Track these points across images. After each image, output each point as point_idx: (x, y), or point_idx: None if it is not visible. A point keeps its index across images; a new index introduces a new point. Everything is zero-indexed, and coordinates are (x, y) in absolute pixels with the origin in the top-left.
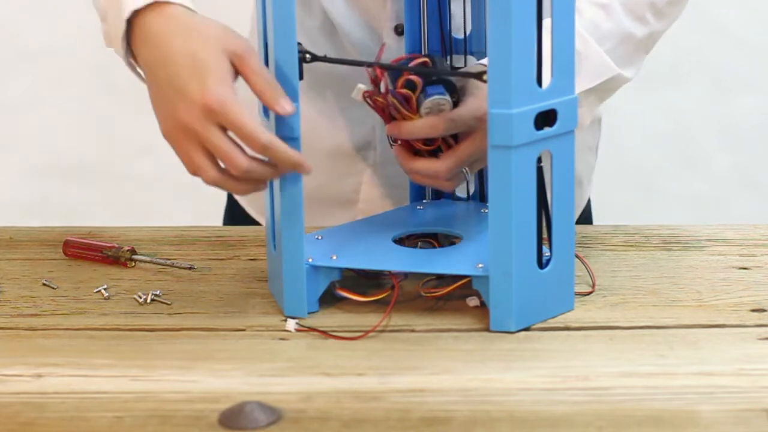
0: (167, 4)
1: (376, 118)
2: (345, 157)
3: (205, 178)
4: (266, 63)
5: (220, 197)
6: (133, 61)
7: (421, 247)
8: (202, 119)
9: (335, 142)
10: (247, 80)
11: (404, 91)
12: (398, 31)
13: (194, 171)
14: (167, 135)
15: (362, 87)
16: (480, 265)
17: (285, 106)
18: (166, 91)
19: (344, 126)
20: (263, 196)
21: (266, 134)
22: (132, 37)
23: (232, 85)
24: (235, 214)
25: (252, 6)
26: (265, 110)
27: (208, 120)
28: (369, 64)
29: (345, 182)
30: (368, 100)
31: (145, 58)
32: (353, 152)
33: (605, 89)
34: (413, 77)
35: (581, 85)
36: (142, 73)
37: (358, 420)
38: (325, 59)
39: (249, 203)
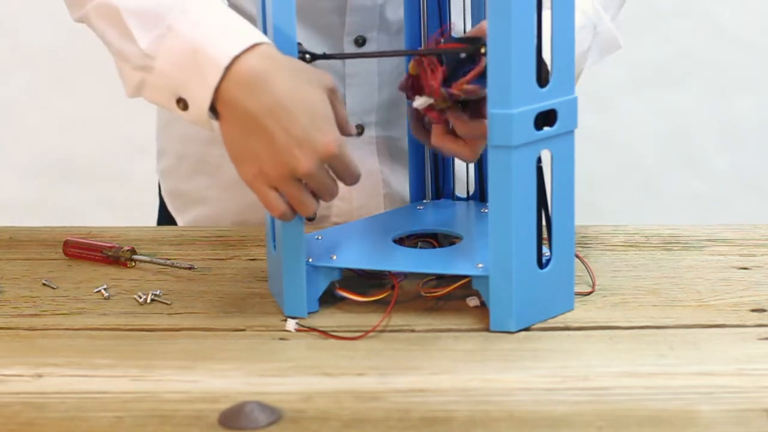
0: (259, 45)
1: None
2: None
3: (307, 212)
4: None
5: None
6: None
7: (421, 247)
8: (319, 164)
9: None
10: (333, 111)
11: (470, 87)
12: (358, 42)
13: (298, 209)
14: (264, 181)
15: (425, 100)
16: (480, 265)
17: (352, 129)
18: (280, 141)
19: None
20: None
21: (358, 168)
22: (219, 85)
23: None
24: (163, 219)
25: None
26: None
27: (323, 163)
28: (369, 55)
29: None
30: (430, 108)
31: (246, 107)
32: None
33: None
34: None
35: (593, 59)
36: (215, 123)
37: (358, 420)
38: (324, 56)
39: (176, 212)
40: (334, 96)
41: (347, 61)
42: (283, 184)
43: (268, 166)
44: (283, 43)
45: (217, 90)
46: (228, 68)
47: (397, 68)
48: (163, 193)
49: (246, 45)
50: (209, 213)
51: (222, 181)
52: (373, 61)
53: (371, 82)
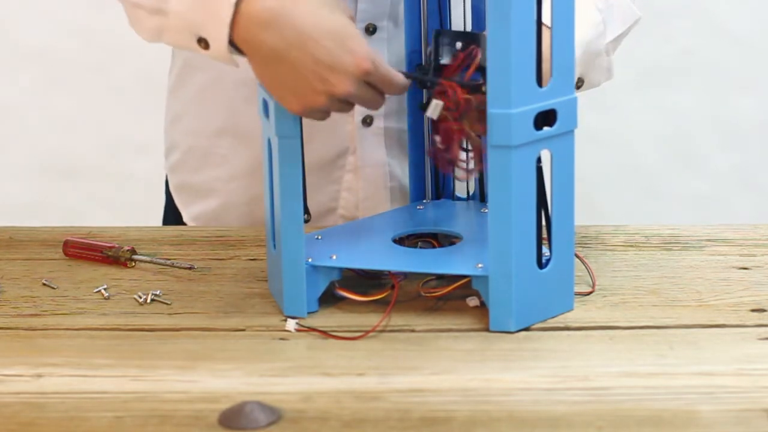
0: None
1: (354, 123)
2: (322, 168)
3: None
4: None
5: None
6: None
7: (421, 247)
8: (356, 84)
9: (311, 157)
10: None
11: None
12: (369, 30)
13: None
14: (312, 110)
15: (440, 103)
16: (480, 265)
17: None
18: (310, 70)
19: (319, 137)
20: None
21: (401, 76)
22: (236, 23)
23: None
24: (170, 216)
25: None
26: (265, 110)
27: (361, 82)
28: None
29: (323, 192)
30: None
31: (269, 44)
32: (331, 162)
33: (623, 35)
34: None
35: (614, 31)
36: (240, 59)
37: (358, 420)
38: None
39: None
40: (351, 17)
41: None
42: (330, 106)
43: (309, 97)
44: None
45: (234, 27)
46: (238, 3)
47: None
48: (171, 189)
49: None
50: (217, 205)
51: (229, 172)
52: (384, 52)
53: None
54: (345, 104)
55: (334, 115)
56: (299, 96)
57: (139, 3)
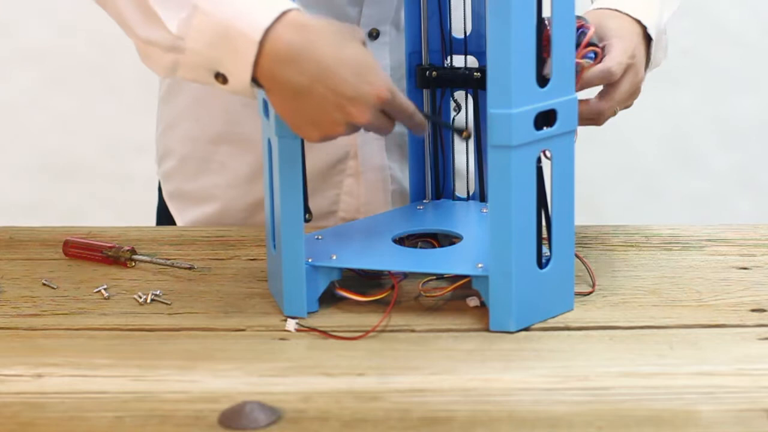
0: (288, 12)
1: None
2: (322, 173)
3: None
4: None
5: None
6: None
7: (421, 247)
8: (375, 113)
9: (312, 161)
10: None
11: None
12: (372, 35)
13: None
14: (327, 138)
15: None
16: (480, 265)
17: None
18: (331, 103)
19: (320, 144)
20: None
21: (419, 114)
22: (259, 60)
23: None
24: (163, 222)
25: None
26: (266, 110)
27: (378, 111)
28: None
29: (323, 196)
30: None
31: (293, 79)
32: (332, 166)
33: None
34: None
35: (671, 8)
36: (261, 93)
37: (358, 420)
38: None
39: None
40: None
41: None
42: (346, 134)
43: (329, 127)
44: None
45: (256, 64)
46: (262, 42)
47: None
48: (165, 196)
49: (275, 14)
50: (214, 211)
51: (228, 179)
52: (386, 56)
53: None
54: (356, 129)
55: None
56: (319, 127)
57: (153, 41)
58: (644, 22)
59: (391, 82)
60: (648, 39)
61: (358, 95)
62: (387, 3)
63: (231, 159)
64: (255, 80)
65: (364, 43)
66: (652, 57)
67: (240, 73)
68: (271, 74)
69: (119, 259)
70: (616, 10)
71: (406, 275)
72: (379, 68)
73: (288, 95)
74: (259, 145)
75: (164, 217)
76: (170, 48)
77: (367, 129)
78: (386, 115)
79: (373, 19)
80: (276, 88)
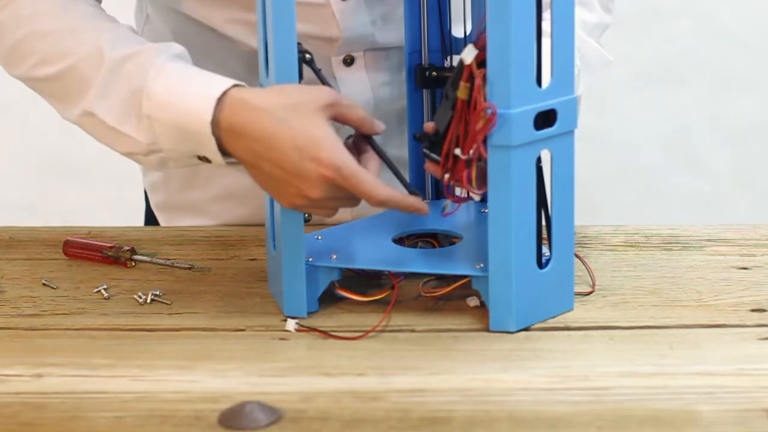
0: (226, 93)
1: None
2: None
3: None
4: (266, 63)
5: None
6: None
7: (421, 247)
8: (327, 188)
9: None
10: (344, 119)
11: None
12: (347, 62)
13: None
14: (294, 207)
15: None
16: (480, 265)
17: (380, 126)
18: (281, 178)
19: None
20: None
21: (384, 190)
22: (220, 141)
23: (337, 140)
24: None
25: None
26: None
27: (331, 187)
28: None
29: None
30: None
31: (241, 155)
32: None
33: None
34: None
35: (585, 82)
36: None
37: (358, 420)
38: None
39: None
40: (334, 109)
41: (339, 81)
42: (316, 206)
43: (290, 199)
44: (283, 42)
45: (220, 147)
46: (214, 131)
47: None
48: (152, 205)
49: (213, 103)
50: (201, 224)
51: (214, 193)
52: (364, 80)
53: (366, 104)
54: (324, 206)
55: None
56: (282, 198)
57: (132, 152)
58: None
59: (344, 158)
60: None
61: (301, 172)
62: (362, 37)
63: (214, 174)
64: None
65: (330, 106)
66: None
67: (213, 155)
68: (232, 151)
69: (119, 259)
70: None
71: (406, 275)
72: (327, 142)
73: (249, 167)
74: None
75: (152, 224)
76: (149, 152)
77: (330, 204)
78: (344, 189)
79: (347, 48)
80: (239, 160)
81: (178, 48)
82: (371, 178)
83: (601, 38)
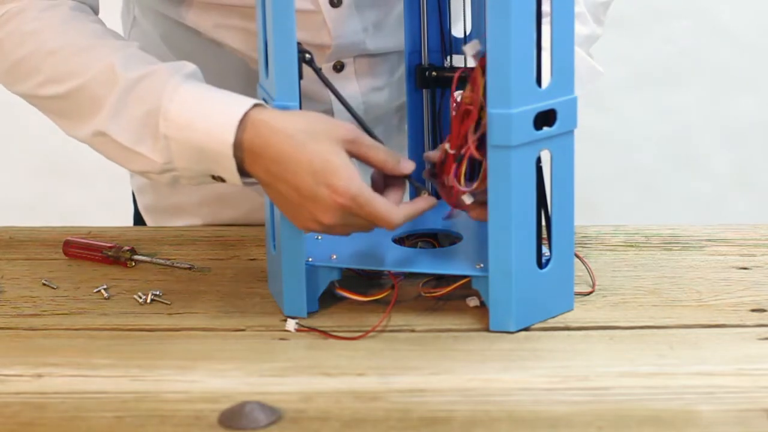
0: (249, 114)
1: None
2: None
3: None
4: (266, 63)
5: None
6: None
7: (421, 247)
8: (341, 215)
9: None
10: (364, 159)
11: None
12: (336, 68)
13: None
14: (307, 230)
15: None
16: (480, 265)
17: (407, 166)
18: (296, 202)
19: None
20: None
21: (399, 214)
22: (240, 162)
23: (354, 170)
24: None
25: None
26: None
27: (346, 213)
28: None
29: None
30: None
31: (261, 176)
32: None
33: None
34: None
35: (576, 92)
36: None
37: (358, 420)
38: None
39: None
40: (355, 146)
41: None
42: (330, 230)
43: (304, 222)
44: (283, 43)
45: (240, 167)
46: (235, 153)
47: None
48: (140, 207)
49: (236, 123)
50: (193, 225)
51: (202, 196)
52: (354, 85)
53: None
54: (340, 229)
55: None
56: (296, 221)
57: (146, 171)
58: None
59: (359, 186)
60: None
61: (316, 196)
62: (352, 44)
63: None
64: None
65: (350, 142)
66: None
67: (230, 177)
68: (251, 170)
69: (119, 259)
70: None
71: (406, 275)
72: (343, 171)
73: (267, 188)
74: None
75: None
76: (163, 171)
77: (343, 230)
78: (357, 216)
79: (338, 54)
80: (260, 182)
81: (190, 67)
82: (386, 204)
83: (591, 49)
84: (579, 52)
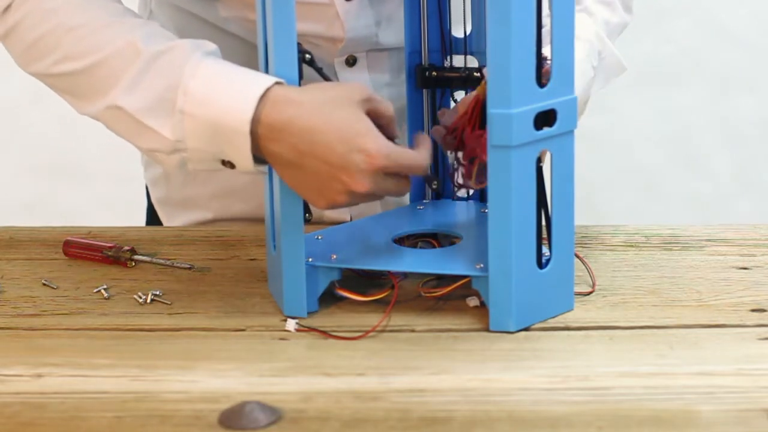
0: (269, 91)
1: None
2: None
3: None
4: (266, 63)
5: None
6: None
7: (421, 247)
8: (374, 179)
9: None
10: (377, 113)
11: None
12: (349, 62)
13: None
14: (333, 205)
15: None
16: (480, 265)
17: (395, 131)
18: (326, 174)
19: None
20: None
21: (423, 156)
22: (254, 144)
23: (377, 131)
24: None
25: None
26: None
27: (379, 176)
28: None
29: None
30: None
31: (281, 153)
32: None
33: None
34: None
35: (599, 85)
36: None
37: (358, 420)
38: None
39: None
40: (371, 104)
41: (341, 81)
42: (355, 201)
43: (331, 197)
44: (283, 43)
45: (253, 148)
46: (252, 131)
47: (390, 88)
48: (153, 200)
49: (256, 100)
50: (204, 219)
51: (214, 189)
52: (366, 80)
53: None
54: (367, 198)
55: None
56: (322, 196)
57: (155, 149)
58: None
59: (388, 144)
60: None
61: (349, 164)
62: (365, 38)
63: (216, 171)
64: (258, 159)
65: (368, 101)
66: None
67: (242, 159)
68: (268, 152)
69: (119, 259)
70: None
71: (406, 275)
72: (372, 133)
73: (286, 168)
74: None
75: (154, 220)
76: (173, 150)
77: (377, 195)
78: (392, 176)
79: (350, 48)
80: (275, 162)
81: (211, 45)
82: (412, 151)
83: (620, 36)
84: (608, 44)
